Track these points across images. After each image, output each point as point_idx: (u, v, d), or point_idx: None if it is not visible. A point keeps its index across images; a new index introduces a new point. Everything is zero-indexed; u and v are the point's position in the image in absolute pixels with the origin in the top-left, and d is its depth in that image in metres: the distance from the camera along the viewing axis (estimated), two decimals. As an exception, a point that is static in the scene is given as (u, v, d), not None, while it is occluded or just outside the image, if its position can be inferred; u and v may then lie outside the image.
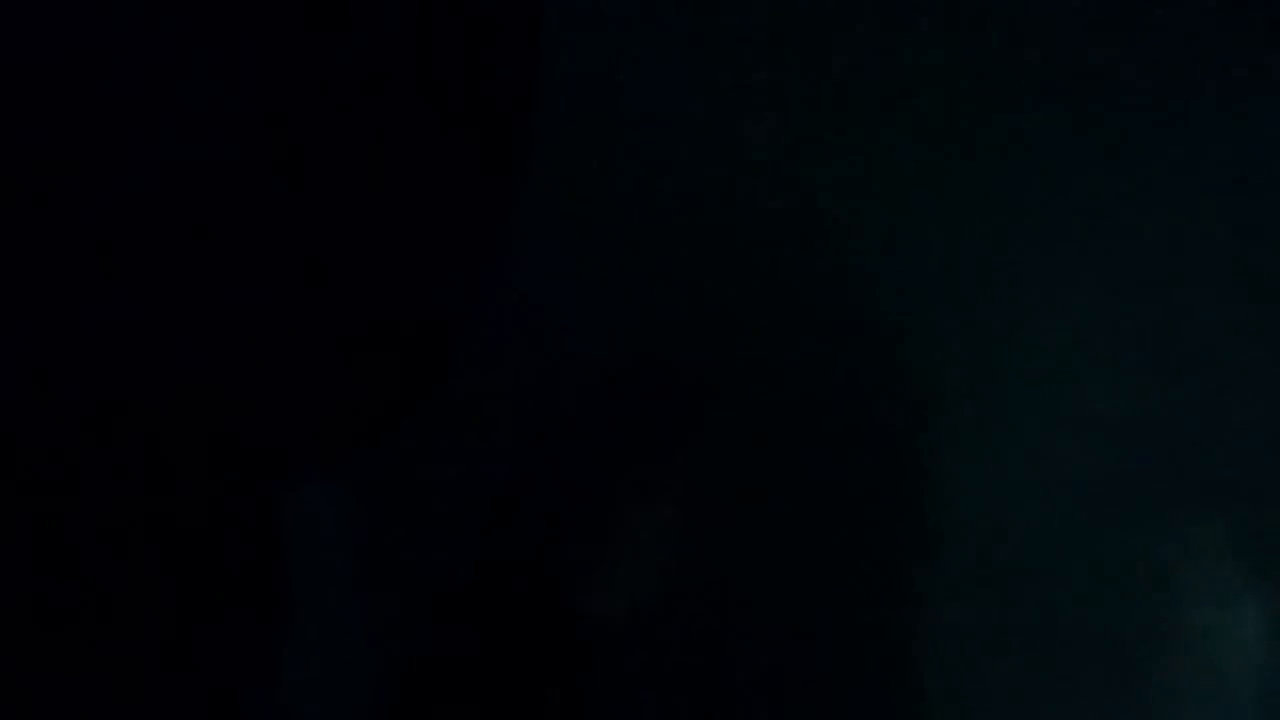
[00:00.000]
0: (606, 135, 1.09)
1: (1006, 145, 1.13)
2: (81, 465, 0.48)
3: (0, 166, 0.44)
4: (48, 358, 0.46)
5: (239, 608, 0.56)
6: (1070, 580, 1.14)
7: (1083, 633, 1.14)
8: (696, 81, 1.15)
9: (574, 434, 0.76)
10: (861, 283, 1.14)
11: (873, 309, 1.15)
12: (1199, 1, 1.11)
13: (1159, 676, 1.14)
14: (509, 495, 0.75)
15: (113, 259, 0.46)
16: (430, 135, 0.49)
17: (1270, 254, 1.12)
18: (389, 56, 0.48)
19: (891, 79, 1.13)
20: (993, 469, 1.14)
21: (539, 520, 0.74)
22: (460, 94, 0.50)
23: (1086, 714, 1.14)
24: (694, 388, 0.93)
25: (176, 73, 0.45)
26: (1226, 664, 1.13)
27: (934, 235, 1.13)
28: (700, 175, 1.11)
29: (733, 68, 1.15)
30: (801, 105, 1.14)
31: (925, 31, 1.13)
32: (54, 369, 0.46)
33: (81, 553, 0.49)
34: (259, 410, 0.50)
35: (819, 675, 1.15)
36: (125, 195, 0.46)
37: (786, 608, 1.14)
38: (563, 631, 0.72)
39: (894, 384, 1.15)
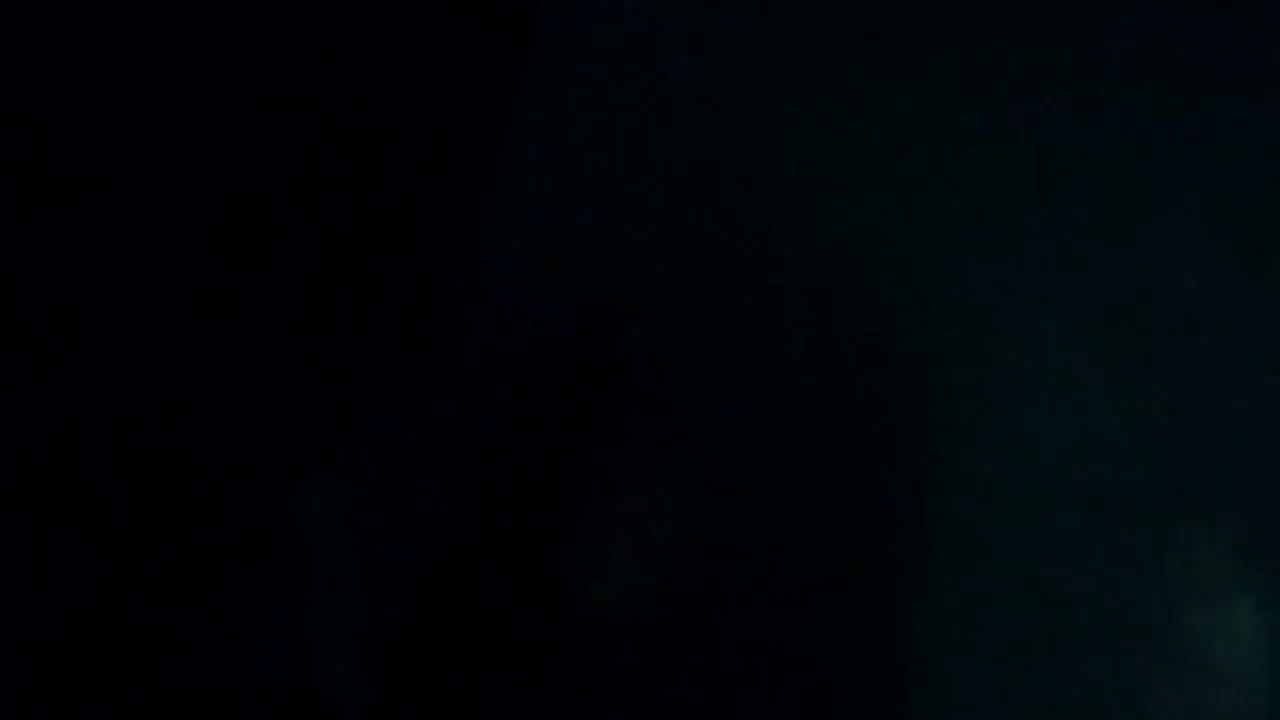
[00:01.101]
0: (599, 120, 1.09)
1: (1006, 141, 1.13)
2: (81, 468, 0.48)
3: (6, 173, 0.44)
4: (49, 364, 0.46)
5: (242, 603, 0.56)
6: (1069, 581, 1.14)
7: (1081, 633, 1.14)
8: (689, 67, 1.14)
9: (567, 418, 0.76)
10: (861, 279, 1.14)
11: (872, 305, 1.15)
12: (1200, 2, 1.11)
13: (1158, 677, 1.14)
14: (498, 480, 0.75)
15: (102, 262, 0.46)
16: (410, 126, 0.50)
17: (1272, 254, 1.11)
18: (370, 51, 0.48)
19: (888, 75, 1.13)
20: (990, 464, 1.14)
21: (531, 506, 0.73)
22: (438, 91, 0.50)
23: (1085, 714, 1.14)
24: (690, 373, 0.93)
25: (168, 77, 0.45)
26: (1227, 664, 1.13)
27: (932, 232, 1.13)
28: (698, 169, 1.11)
29: (726, 55, 1.14)
30: (800, 101, 1.13)
31: (924, 30, 1.13)
32: (55, 373, 0.46)
33: (85, 556, 0.49)
34: (250, 412, 0.50)
35: (815, 666, 1.15)
36: (115, 194, 0.46)
37: (783, 599, 1.14)
38: (557, 620, 0.71)
39: (892, 379, 1.15)
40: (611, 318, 0.75)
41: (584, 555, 0.72)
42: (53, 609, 0.49)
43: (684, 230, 1.07)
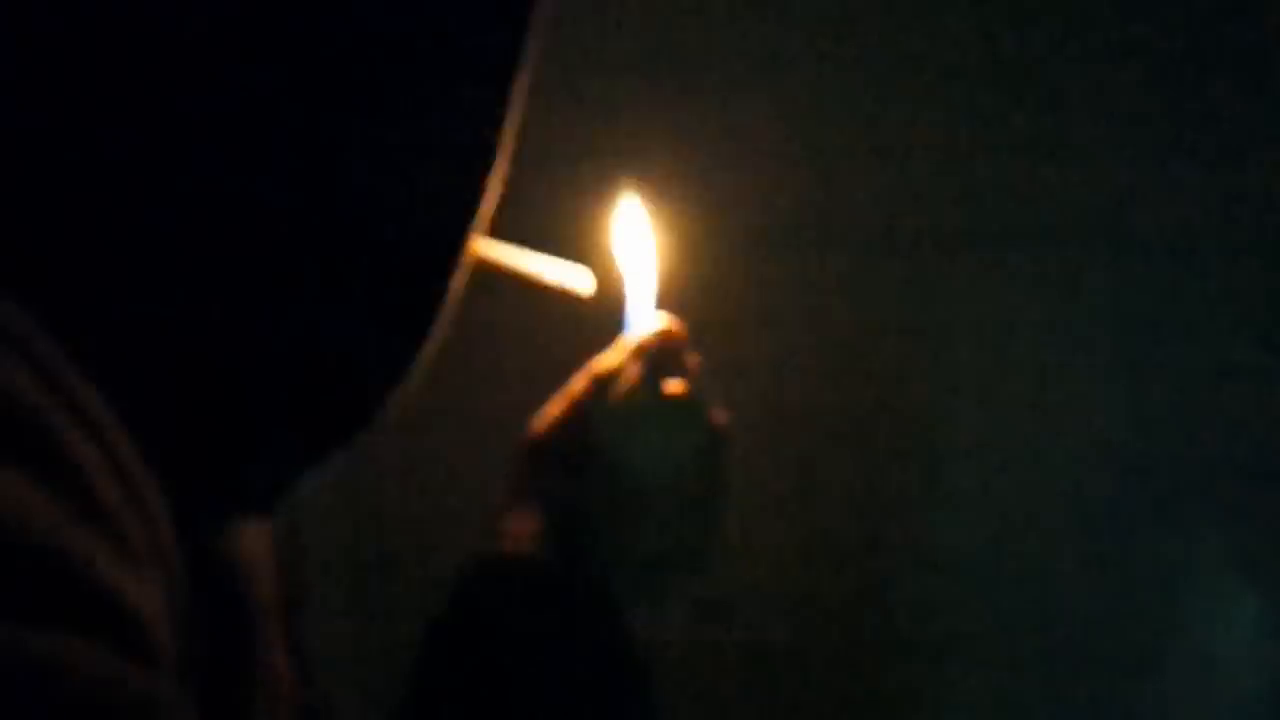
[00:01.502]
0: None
1: (1005, 143, 1.13)
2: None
3: None
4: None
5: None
6: (1070, 581, 1.13)
7: (1082, 633, 1.14)
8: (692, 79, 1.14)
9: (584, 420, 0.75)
10: (863, 281, 1.14)
11: (874, 307, 1.15)
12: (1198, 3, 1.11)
13: (1159, 677, 1.13)
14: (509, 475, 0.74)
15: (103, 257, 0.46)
16: (414, 117, 0.50)
17: (1272, 253, 1.11)
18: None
19: (889, 76, 1.13)
20: (991, 464, 1.14)
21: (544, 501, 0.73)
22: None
23: (1086, 714, 1.14)
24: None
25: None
26: (1226, 664, 1.12)
27: (933, 234, 1.13)
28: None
29: (728, 60, 1.14)
30: (798, 102, 1.13)
31: (925, 30, 1.13)
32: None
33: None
34: (255, 410, 0.50)
35: (820, 665, 1.15)
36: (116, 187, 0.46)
37: (790, 598, 1.14)
38: (572, 621, 0.71)
39: (897, 385, 1.15)
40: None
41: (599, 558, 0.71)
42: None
43: (690, 222, 1.07)
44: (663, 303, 0.73)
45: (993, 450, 1.14)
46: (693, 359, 0.72)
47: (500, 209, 0.53)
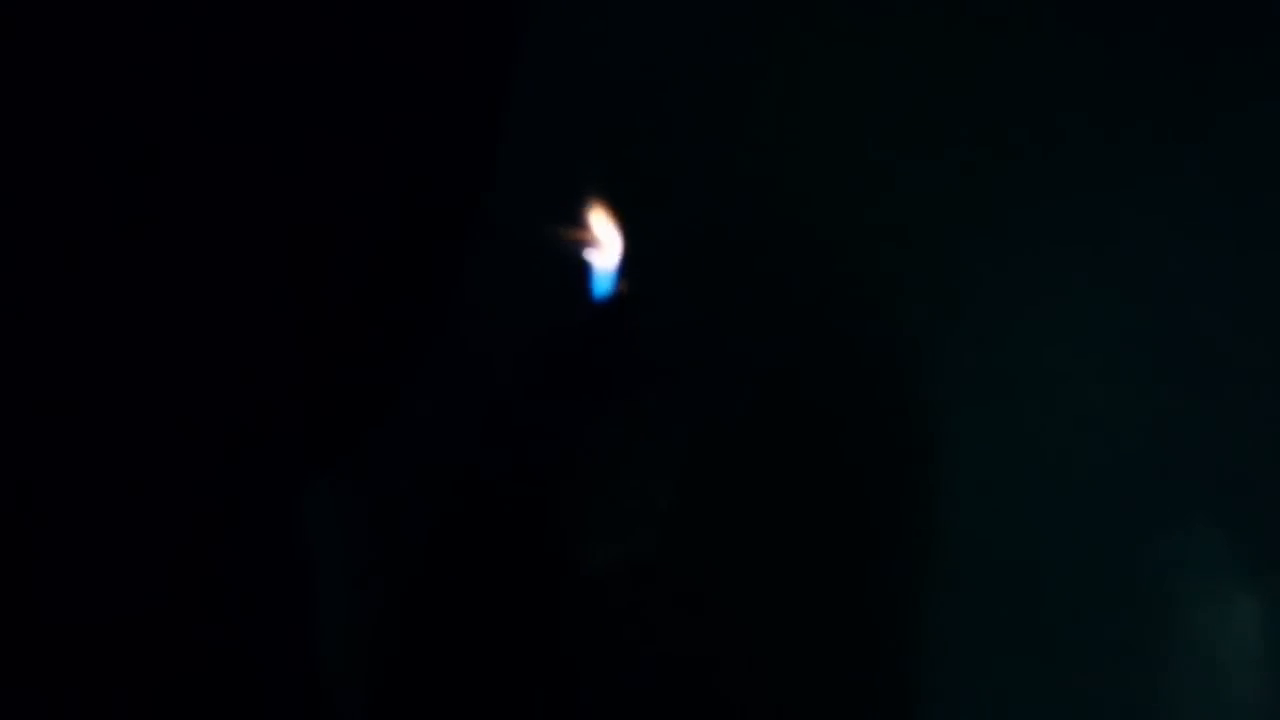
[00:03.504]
0: (602, 110, 1.09)
1: (1005, 143, 1.13)
2: (86, 466, 0.48)
3: None
4: (51, 359, 0.46)
5: (249, 604, 0.56)
6: (1070, 581, 1.14)
7: (1082, 633, 1.14)
8: (688, 78, 1.15)
9: (564, 394, 0.76)
10: (861, 282, 1.15)
11: (873, 306, 1.15)
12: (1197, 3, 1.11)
13: (1159, 677, 1.14)
14: (495, 440, 0.75)
15: (103, 259, 0.46)
16: (410, 114, 0.50)
17: (1271, 254, 1.12)
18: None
19: (888, 76, 1.13)
20: (991, 462, 1.14)
21: (527, 468, 0.73)
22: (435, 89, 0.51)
23: (1086, 715, 1.14)
24: (690, 350, 0.93)
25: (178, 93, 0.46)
26: (1226, 664, 1.13)
27: (933, 236, 1.13)
28: (697, 175, 1.11)
29: (726, 65, 1.14)
30: (796, 103, 1.14)
31: (923, 29, 1.13)
32: (56, 367, 0.46)
33: (88, 555, 0.49)
34: (260, 411, 0.50)
35: (804, 635, 1.15)
36: (116, 189, 0.46)
37: (783, 569, 1.14)
38: (554, 584, 0.72)
39: (891, 369, 1.15)
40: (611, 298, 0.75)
41: (583, 530, 0.72)
42: (52, 605, 0.49)
43: (689, 217, 1.08)
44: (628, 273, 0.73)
45: (989, 438, 1.14)
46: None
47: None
